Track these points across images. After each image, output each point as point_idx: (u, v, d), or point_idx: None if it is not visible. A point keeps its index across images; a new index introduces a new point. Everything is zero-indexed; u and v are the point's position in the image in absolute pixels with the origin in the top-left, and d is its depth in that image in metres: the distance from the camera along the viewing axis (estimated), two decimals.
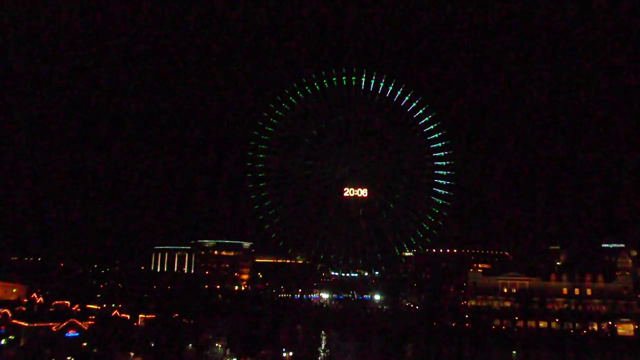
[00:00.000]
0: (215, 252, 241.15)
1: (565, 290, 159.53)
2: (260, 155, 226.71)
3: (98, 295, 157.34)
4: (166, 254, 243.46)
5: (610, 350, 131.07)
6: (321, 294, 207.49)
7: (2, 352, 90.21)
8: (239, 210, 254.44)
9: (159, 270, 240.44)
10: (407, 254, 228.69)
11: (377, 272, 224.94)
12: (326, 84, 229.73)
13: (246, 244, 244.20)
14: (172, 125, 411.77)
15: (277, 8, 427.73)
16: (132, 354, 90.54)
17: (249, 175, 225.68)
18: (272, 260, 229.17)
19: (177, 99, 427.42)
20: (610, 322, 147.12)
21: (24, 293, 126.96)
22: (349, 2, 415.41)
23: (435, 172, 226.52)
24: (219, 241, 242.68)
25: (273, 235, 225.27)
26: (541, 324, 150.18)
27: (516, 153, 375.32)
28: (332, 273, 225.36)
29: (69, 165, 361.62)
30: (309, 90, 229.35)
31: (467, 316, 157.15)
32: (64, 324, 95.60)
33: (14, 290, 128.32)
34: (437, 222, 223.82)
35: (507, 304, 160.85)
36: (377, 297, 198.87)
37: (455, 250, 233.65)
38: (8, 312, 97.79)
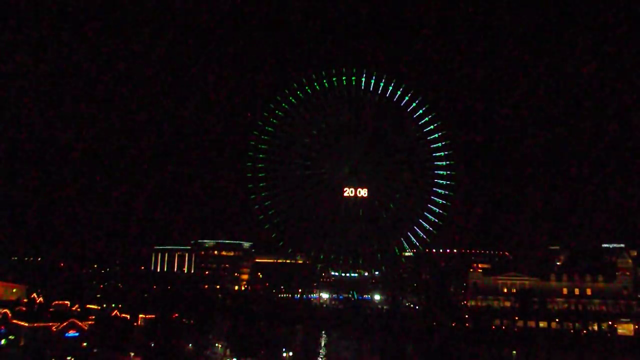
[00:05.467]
0: (215, 252, 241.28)
1: (565, 290, 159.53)
2: (260, 155, 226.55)
3: (98, 295, 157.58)
4: (166, 254, 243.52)
5: (610, 350, 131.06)
6: (321, 294, 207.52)
7: (2, 352, 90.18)
8: (239, 210, 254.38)
9: (159, 270, 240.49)
10: (407, 254, 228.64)
11: (377, 272, 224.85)
12: (326, 84, 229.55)
13: (246, 244, 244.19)
14: (172, 125, 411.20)
15: (277, 8, 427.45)
16: (132, 354, 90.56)
17: (249, 175, 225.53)
18: (272, 260, 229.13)
19: (177, 99, 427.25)
20: (610, 322, 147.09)
21: (24, 293, 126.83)
22: (350, 2, 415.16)
23: (435, 172, 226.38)
24: (219, 241, 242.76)
25: (273, 235, 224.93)
26: (541, 324, 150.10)
27: (516, 153, 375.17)
28: (332, 273, 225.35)
29: (69, 165, 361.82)
30: (309, 90, 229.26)
31: (467, 316, 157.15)
32: (64, 324, 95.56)
33: (14, 290, 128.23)
34: (437, 222, 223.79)
35: (507, 304, 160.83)
36: (377, 297, 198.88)
37: (455, 250, 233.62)
38: (8, 312, 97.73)
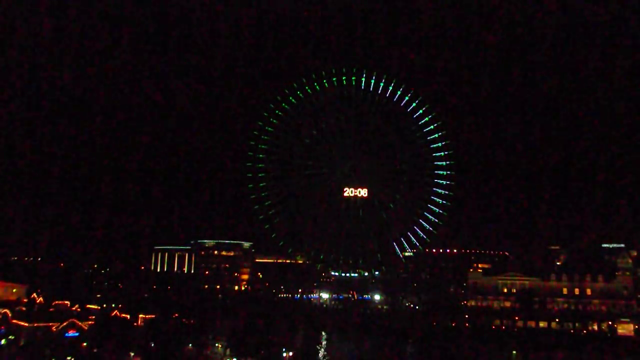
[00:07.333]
0: (215, 252, 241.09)
1: (565, 290, 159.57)
2: (260, 155, 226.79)
3: (98, 295, 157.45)
4: (166, 254, 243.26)
5: (610, 350, 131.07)
6: (321, 294, 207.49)
7: (2, 352, 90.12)
8: (239, 210, 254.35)
9: (159, 270, 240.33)
10: (407, 254, 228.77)
11: (377, 272, 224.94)
12: (326, 84, 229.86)
13: (246, 244, 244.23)
14: (172, 125, 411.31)
15: (278, 8, 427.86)
16: (132, 354, 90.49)
17: (249, 175, 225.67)
18: (272, 260, 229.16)
19: (177, 99, 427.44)
20: (610, 322, 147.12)
21: (24, 293, 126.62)
22: (350, 2, 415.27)
23: (435, 172, 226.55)
24: (219, 241, 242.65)
25: (273, 235, 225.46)
26: (541, 324, 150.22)
27: (516, 153, 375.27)
28: (332, 273, 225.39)
29: (69, 165, 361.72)
30: (309, 90, 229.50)
31: (467, 316, 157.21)
32: (64, 324, 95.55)
33: (14, 290, 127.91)
34: (437, 222, 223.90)
35: (507, 304, 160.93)
36: (377, 297, 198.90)
37: (455, 250, 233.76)
38: (8, 312, 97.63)
